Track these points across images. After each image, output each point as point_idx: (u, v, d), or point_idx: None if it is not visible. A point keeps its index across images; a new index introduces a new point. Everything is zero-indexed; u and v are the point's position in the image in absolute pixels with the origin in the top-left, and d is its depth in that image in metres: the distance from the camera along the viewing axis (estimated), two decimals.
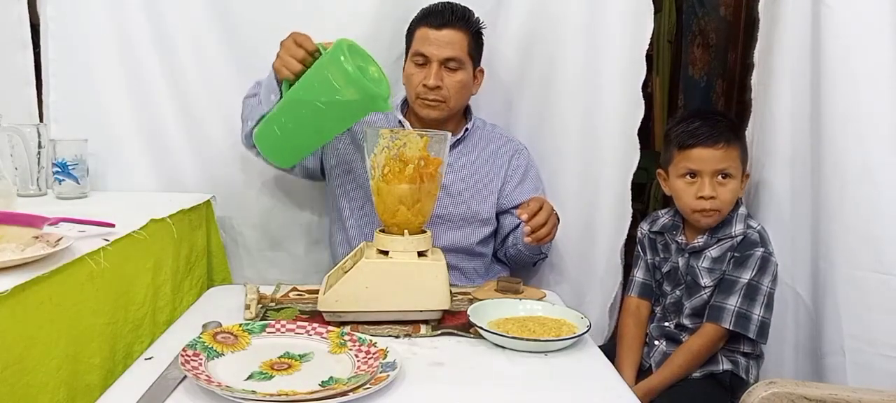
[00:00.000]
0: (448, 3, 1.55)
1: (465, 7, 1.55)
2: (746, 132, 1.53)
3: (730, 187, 1.40)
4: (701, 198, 1.41)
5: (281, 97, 1.36)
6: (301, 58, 1.31)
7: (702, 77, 4.55)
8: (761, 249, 1.39)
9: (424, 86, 1.51)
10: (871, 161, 1.26)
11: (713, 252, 1.43)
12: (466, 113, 1.65)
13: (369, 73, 1.31)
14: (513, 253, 1.62)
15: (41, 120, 1.65)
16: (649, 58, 1.60)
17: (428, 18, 1.53)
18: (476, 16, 1.56)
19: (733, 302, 1.37)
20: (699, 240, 1.44)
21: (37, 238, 1.06)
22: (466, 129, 1.61)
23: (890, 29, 1.23)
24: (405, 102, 1.64)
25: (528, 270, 1.73)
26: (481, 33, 1.58)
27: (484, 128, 1.66)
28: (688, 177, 1.43)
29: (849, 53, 1.28)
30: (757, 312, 1.37)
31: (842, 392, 1.07)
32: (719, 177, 1.40)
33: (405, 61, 1.59)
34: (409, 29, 1.58)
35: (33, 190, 1.55)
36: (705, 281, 1.42)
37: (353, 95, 1.25)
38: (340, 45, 1.26)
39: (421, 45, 1.52)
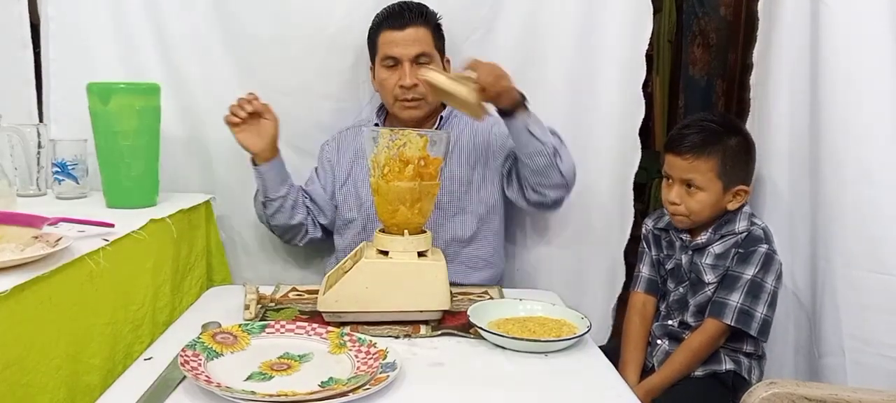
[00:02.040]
0: (404, 1, 1.56)
1: (419, 3, 1.56)
2: None
3: (698, 198, 1.40)
4: (666, 200, 1.44)
5: (263, 178, 1.54)
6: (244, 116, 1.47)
7: (702, 77, 4.56)
8: (765, 246, 1.39)
9: (401, 87, 1.52)
10: (869, 161, 1.26)
11: (716, 248, 1.43)
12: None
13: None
14: (532, 182, 1.49)
15: (41, 120, 1.65)
16: (649, 58, 1.60)
17: (388, 21, 1.53)
18: (431, 9, 1.57)
19: (736, 298, 1.37)
20: (702, 237, 1.44)
21: (37, 238, 1.06)
22: (441, 117, 1.60)
23: (889, 29, 1.23)
24: (381, 109, 1.65)
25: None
26: (440, 25, 1.58)
27: (459, 114, 1.63)
28: (666, 178, 1.45)
29: (848, 53, 1.28)
30: (760, 310, 1.37)
31: (842, 392, 1.07)
32: (688, 186, 1.41)
33: (373, 68, 1.60)
34: (370, 36, 1.58)
35: (33, 190, 1.55)
36: (709, 277, 1.42)
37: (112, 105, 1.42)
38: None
39: (388, 49, 1.52)
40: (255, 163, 1.54)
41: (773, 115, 1.46)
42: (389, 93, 1.55)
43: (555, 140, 1.45)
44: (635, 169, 1.65)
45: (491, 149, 1.59)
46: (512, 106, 1.38)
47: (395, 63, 1.52)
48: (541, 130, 1.41)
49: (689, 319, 1.46)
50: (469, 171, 1.58)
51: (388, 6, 1.56)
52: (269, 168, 1.54)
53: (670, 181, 1.44)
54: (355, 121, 1.70)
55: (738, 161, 1.41)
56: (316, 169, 1.68)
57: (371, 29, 1.58)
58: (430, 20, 1.55)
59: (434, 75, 1.32)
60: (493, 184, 1.59)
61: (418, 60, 1.52)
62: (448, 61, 1.61)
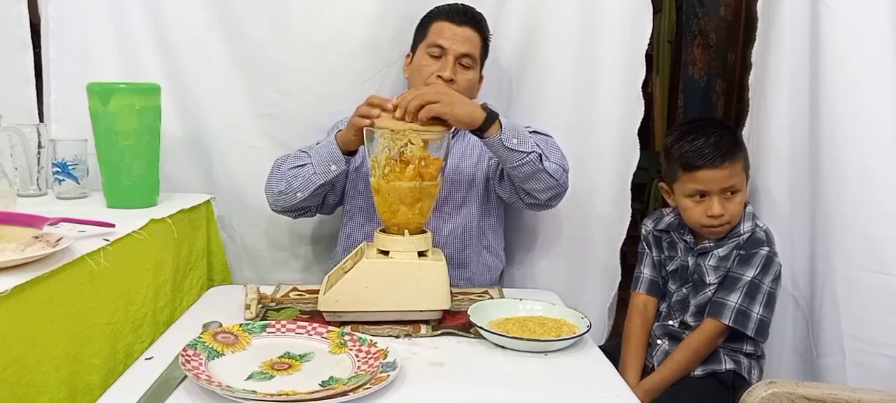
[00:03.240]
0: (467, 4, 1.58)
1: (480, 12, 1.58)
2: (743, 132, 1.53)
3: (737, 200, 1.41)
4: (710, 216, 1.40)
5: (346, 166, 1.43)
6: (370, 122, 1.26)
7: (702, 77, 4.56)
8: (766, 248, 1.39)
9: (439, 77, 1.51)
10: (869, 161, 1.26)
11: (721, 251, 1.43)
12: None
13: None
14: (524, 188, 1.45)
15: (41, 120, 1.65)
16: (649, 57, 1.60)
17: (448, 14, 1.55)
18: (487, 23, 1.59)
19: (735, 298, 1.37)
20: (709, 241, 1.44)
21: (37, 238, 1.06)
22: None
23: (889, 29, 1.24)
24: None
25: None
26: (488, 42, 1.60)
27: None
28: (696, 196, 1.42)
29: (848, 53, 1.28)
30: (756, 310, 1.37)
31: (842, 392, 1.07)
32: (728, 193, 1.40)
33: (412, 54, 1.59)
34: (422, 22, 1.59)
35: (33, 190, 1.55)
36: (711, 278, 1.42)
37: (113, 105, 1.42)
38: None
39: (438, 37, 1.53)
40: (345, 153, 1.43)
41: (773, 115, 1.46)
42: (423, 80, 1.53)
43: (538, 141, 1.39)
44: (634, 169, 1.65)
45: (482, 168, 1.59)
46: (469, 123, 1.29)
47: (440, 53, 1.52)
48: (520, 140, 1.33)
49: (689, 319, 1.46)
50: (465, 175, 1.58)
51: (451, 2, 1.59)
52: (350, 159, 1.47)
53: (703, 197, 1.40)
54: None
55: (744, 148, 1.43)
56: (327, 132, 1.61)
57: (425, 16, 1.58)
58: (484, 31, 1.58)
59: (384, 121, 1.24)
60: (481, 184, 1.59)
61: (462, 61, 1.53)
62: (481, 78, 1.61)
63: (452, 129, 1.53)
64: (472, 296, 1.36)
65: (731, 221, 1.42)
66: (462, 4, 1.58)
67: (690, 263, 1.47)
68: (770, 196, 1.49)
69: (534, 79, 1.71)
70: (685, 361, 1.40)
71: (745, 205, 1.44)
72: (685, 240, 1.48)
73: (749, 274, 1.38)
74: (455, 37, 1.53)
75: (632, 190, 1.68)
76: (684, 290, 1.48)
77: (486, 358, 1.09)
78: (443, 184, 1.49)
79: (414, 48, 1.60)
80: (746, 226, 1.42)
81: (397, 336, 1.14)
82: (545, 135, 1.45)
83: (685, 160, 1.40)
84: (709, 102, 4.40)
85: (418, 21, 1.66)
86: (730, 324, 1.37)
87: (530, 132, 1.40)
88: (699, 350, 1.40)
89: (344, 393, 0.88)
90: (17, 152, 1.51)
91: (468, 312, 1.18)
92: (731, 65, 4.04)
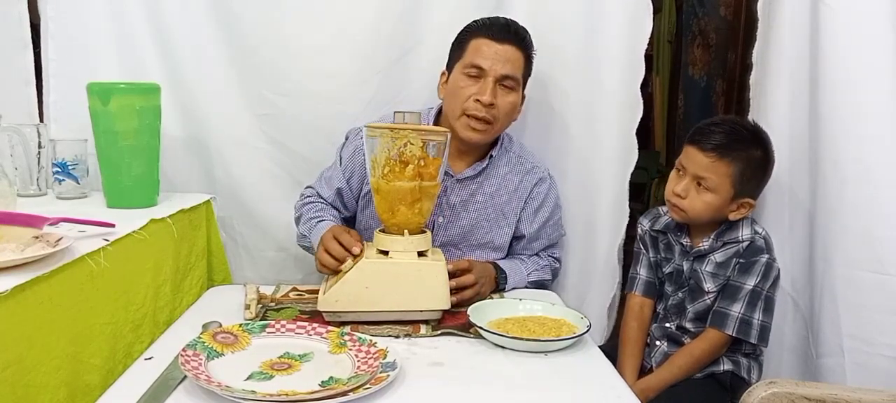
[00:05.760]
0: (509, 19, 1.49)
1: (523, 26, 1.50)
2: None
3: (706, 199, 1.37)
4: (675, 192, 1.40)
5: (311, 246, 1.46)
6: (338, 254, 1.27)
7: (702, 77, 4.56)
8: (766, 256, 1.37)
9: (477, 101, 1.43)
10: (869, 161, 1.26)
11: (718, 256, 1.41)
12: None
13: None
14: None
15: (41, 120, 1.65)
16: (649, 58, 1.60)
17: (488, 30, 1.45)
18: (531, 37, 1.51)
19: (737, 308, 1.36)
20: (704, 244, 1.43)
21: (37, 238, 1.06)
22: (490, 156, 1.54)
23: (890, 29, 1.23)
24: (437, 116, 1.58)
25: None
26: (532, 59, 1.53)
27: (510, 150, 1.59)
28: (679, 170, 1.42)
29: (848, 53, 1.28)
30: (757, 317, 1.36)
31: (841, 393, 1.07)
32: (699, 182, 1.38)
33: (448, 73, 1.53)
34: (459, 38, 1.51)
35: (33, 190, 1.55)
36: (709, 286, 1.40)
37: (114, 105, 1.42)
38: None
39: (476, 57, 1.44)
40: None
41: (773, 115, 1.46)
42: (460, 103, 1.45)
43: (531, 280, 1.55)
44: (632, 169, 1.65)
45: (520, 209, 1.58)
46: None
47: (478, 73, 1.44)
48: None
49: (688, 324, 1.45)
50: (493, 217, 1.56)
51: (491, 16, 1.49)
52: None
53: (681, 172, 1.40)
54: (382, 116, 1.61)
55: (756, 174, 1.38)
56: (341, 158, 1.58)
57: (462, 31, 1.51)
58: (527, 47, 1.49)
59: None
60: (507, 235, 1.58)
61: (504, 82, 1.45)
62: (524, 97, 1.56)
63: (487, 159, 1.54)
64: None
65: (688, 213, 1.39)
66: (503, 19, 1.48)
67: (686, 268, 1.45)
68: (770, 195, 1.48)
69: (533, 79, 1.70)
70: (685, 367, 1.39)
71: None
72: (681, 243, 1.47)
73: (750, 282, 1.36)
74: (495, 56, 1.43)
75: (631, 190, 1.68)
76: (680, 294, 1.47)
77: (486, 358, 1.09)
78: (464, 230, 1.55)
79: (450, 66, 1.52)
80: (746, 233, 1.40)
81: (397, 337, 1.14)
82: (542, 272, 1.59)
83: (691, 133, 1.41)
84: (709, 102, 4.40)
85: (418, 23, 1.65)
86: (733, 334, 1.36)
87: (529, 274, 1.56)
88: (701, 359, 1.39)
89: (344, 393, 0.88)
90: (17, 152, 1.51)
91: (468, 312, 1.18)
92: (731, 65, 4.04)
